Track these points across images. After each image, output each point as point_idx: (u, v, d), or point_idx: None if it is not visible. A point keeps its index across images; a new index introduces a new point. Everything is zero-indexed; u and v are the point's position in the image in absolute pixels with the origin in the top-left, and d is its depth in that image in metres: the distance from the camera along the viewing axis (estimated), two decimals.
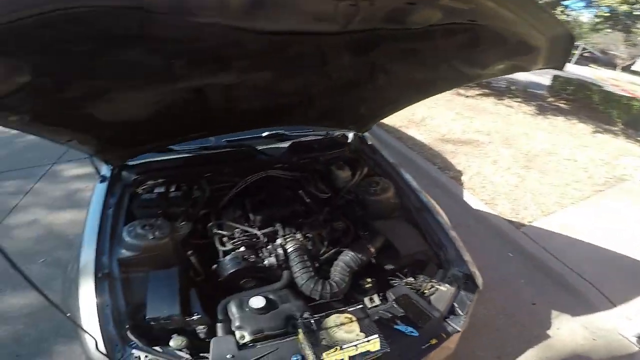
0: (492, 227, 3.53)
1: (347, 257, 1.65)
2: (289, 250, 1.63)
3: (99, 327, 1.21)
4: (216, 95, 1.44)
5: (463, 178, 4.36)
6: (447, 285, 1.52)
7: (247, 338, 1.26)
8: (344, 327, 1.24)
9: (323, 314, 1.28)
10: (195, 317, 1.30)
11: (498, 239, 3.38)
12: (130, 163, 1.97)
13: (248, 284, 1.61)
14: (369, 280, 1.63)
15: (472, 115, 5.97)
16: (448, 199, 3.79)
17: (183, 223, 1.71)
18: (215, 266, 1.64)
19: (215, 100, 1.48)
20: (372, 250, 1.71)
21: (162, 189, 1.88)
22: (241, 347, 1.23)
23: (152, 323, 1.27)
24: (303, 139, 2.41)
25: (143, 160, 2.02)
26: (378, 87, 1.69)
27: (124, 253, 1.51)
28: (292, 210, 1.90)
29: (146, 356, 1.17)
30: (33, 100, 1.02)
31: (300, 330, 1.22)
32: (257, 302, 1.36)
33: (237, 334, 1.27)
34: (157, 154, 2.06)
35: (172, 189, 1.88)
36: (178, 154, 2.13)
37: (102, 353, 1.14)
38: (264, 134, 2.37)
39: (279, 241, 1.68)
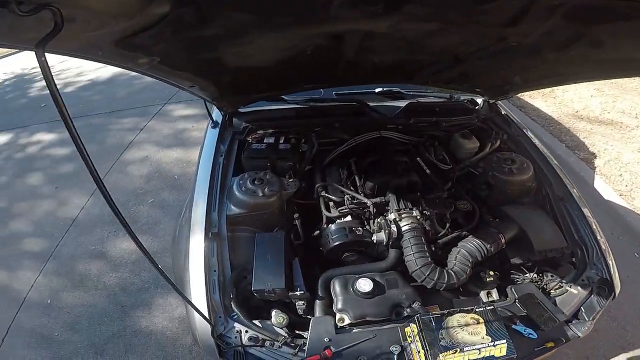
0: (622, 223, 2.96)
1: (472, 245, 1.41)
2: (403, 229, 1.42)
3: (206, 296, 1.21)
4: (354, 44, 1.24)
5: (596, 162, 3.61)
6: (578, 287, 1.33)
7: (347, 321, 1.20)
8: (468, 328, 1.10)
9: (445, 311, 1.14)
10: (298, 293, 1.25)
11: (627, 236, 2.84)
12: (242, 110, 1.92)
13: (349, 258, 1.49)
14: (491, 273, 1.41)
15: (616, 94, 4.79)
16: (574, 184, 3.14)
17: (291, 180, 1.61)
18: (317, 232, 1.54)
19: (349, 50, 1.29)
20: (503, 241, 1.44)
21: (271, 140, 1.79)
22: (339, 330, 1.17)
23: (255, 294, 1.24)
24: (422, 99, 2.08)
25: (254, 108, 1.94)
26: (554, 58, 1.30)
27: (233, 210, 1.49)
28: (408, 180, 1.66)
29: (246, 331, 1.17)
30: (167, 38, 0.93)
31: (414, 325, 1.10)
32: (365, 285, 1.26)
33: (338, 316, 1.22)
34: (268, 102, 1.97)
35: (282, 141, 1.78)
36: (288, 104, 2.00)
37: (216, 341, 1.13)
38: (377, 90, 2.10)
39: (391, 216, 1.47)
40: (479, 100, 2.14)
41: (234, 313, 1.21)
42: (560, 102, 4.80)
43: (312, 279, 1.38)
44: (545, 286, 1.38)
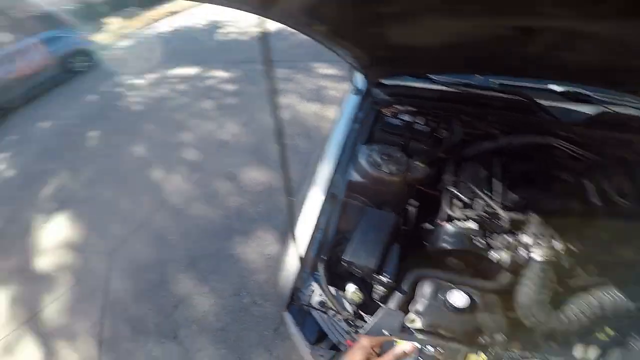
0: None
1: (611, 299, 1.10)
2: (533, 258, 1.20)
3: (305, 249, 1.29)
4: (547, 40, 1.02)
5: None
6: None
7: (417, 325, 1.10)
8: None
9: (528, 355, 1.01)
10: (384, 279, 1.21)
11: None
12: (385, 82, 1.86)
13: (453, 264, 1.35)
14: (609, 331, 1.11)
15: None
16: None
17: (420, 164, 1.52)
18: (427, 225, 1.44)
19: (538, 45, 1.07)
20: None
21: (408, 118, 1.71)
22: (404, 329, 1.10)
23: (344, 263, 1.25)
24: (615, 108, 1.61)
25: (398, 82, 1.86)
26: None
27: (355, 177, 1.51)
28: (563, 206, 1.36)
29: (320, 294, 1.21)
30: (344, 10, 0.93)
31: (482, 356, 0.97)
32: (459, 300, 1.12)
33: (411, 316, 1.12)
34: (414, 79, 1.85)
35: (420, 121, 1.68)
36: (435, 84, 1.84)
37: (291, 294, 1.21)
38: (552, 87, 1.72)
39: (525, 239, 1.24)
40: None
41: (318, 274, 1.27)
42: None
43: (403, 269, 1.32)
44: None
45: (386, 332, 1.08)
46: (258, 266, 2.52)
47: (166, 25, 9.20)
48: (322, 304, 1.21)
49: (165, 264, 2.72)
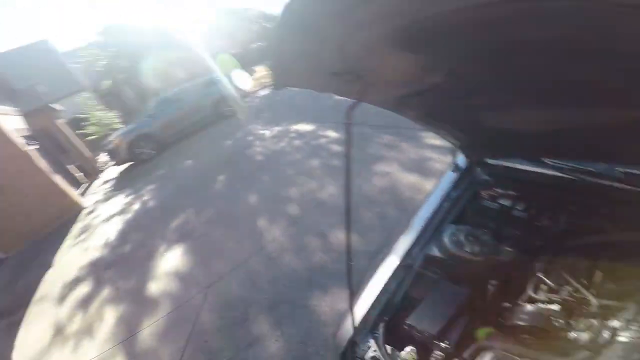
0: None
1: None
2: (619, 339, 1.00)
3: (367, 308, 1.35)
4: None
5: None
6: None
7: None
8: None
9: None
10: (442, 344, 1.19)
11: None
12: (489, 161, 1.81)
13: (524, 341, 1.17)
14: None
15: None
16: None
17: (509, 250, 1.39)
18: (508, 305, 1.28)
19: None
20: None
21: (508, 202, 1.60)
22: None
23: (406, 327, 1.26)
24: None
25: (503, 163, 1.79)
26: None
27: (434, 251, 1.49)
28: None
29: (375, 350, 1.26)
30: (434, 100, 1.04)
31: None
32: None
33: None
34: (524, 160, 1.75)
35: (519, 207, 1.56)
36: (546, 168, 1.70)
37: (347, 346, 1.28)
38: None
39: (615, 323, 1.01)
40: None
41: (377, 332, 1.30)
42: None
43: (468, 339, 1.22)
44: None
45: None
46: (328, 319, 2.60)
47: None
48: (374, 359, 1.23)
49: (250, 304, 3.00)
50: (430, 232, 1.58)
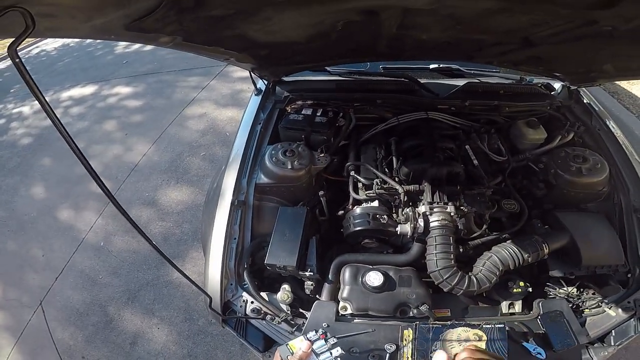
0: None
1: (506, 252, 1.25)
2: (431, 224, 1.30)
3: (222, 263, 1.29)
4: (392, 21, 1.10)
5: None
6: (619, 309, 1.20)
7: (349, 311, 1.18)
8: (466, 344, 0.99)
9: (448, 323, 1.05)
10: (307, 274, 1.26)
11: None
12: (286, 79, 1.88)
13: (369, 245, 1.44)
14: (521, 284, 1.27)
15: None
16: None
17: (322, 155, 1.57)
18: (341, 212, 1.50)
19: (388, 26, 1.15)
20: (546, 251, 1.27)
21: (309, 112, 1.75)
22: (339, 317, 1.16)
23: (268, 267, 1.27)
24: (485, 79, 1.83)
25: (297, 78, 1.90)
26: None
27: (263, 179, 1.52)
28: (449, 171, 1.50)
29: (252, 302, 1.23)
30: (177, 19, 0.91)
31: (410, 331, 1.05)
32: (374, 279, 1.20)
33: (341, 304, 1.19)
34: (312, 72, 1.90)
35: (319, 113, 1.72)
36: (331, 75, 1.91)
37: (214, 311, 1.21)
38: (431, 66, 1.90)
39: (422, 208, 1.35)
40: (557, 85, 1.83)
41: (245, 282, 1.28)
42: None
43: (329, 259, 1.37)
44: (580, 304, 1.26)
45: (325, 324, 1.12)
46: (200, 284, 2.44)
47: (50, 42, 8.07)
48: (256, 311, 1.22)
49: (104, 304, 2.53)
50: (252, 159, 1.58)
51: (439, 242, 1.25)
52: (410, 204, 1.42)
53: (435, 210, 1.33)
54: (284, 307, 1.22)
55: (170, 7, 0.82)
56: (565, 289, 1.28)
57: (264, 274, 1.38)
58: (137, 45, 6.34)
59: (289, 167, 1.47)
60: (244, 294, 1.25)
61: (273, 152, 1.53)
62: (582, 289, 1.29)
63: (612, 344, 1.16)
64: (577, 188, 1.44)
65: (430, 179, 1.45)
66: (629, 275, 1.31)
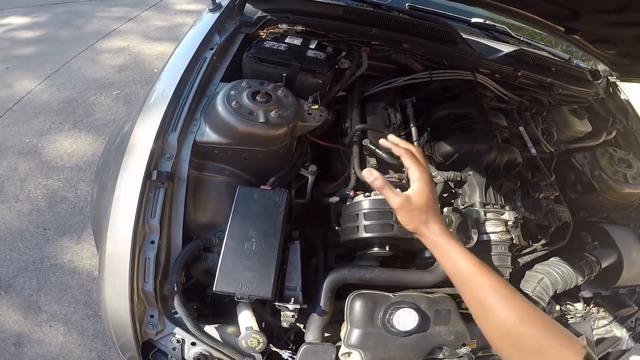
0: None
1: (558, 272, 1.00)
2: (485, 237, 0.90)
3: (130, 282, 0.72)
4: None
5: None
6: (624, 329, 1.13)
7: None
8: None
9: None
10: (291, 306, 0.76)
11: None
12: None
13: (376, 254, 0.87)
14: (557, 308, 1.08)
15: None
16: None
17: (316, 107, 0.96)
18: (335, 200, 0.94)
19: None
20: (596, 272, 1.05)
21: (297, 41, 1.10)
22: None
23: (218, 294, 0.76)
24: (534, 50, 1.44)
25: None
26: None
27: (208, 135, 0.88)
28: (509, 159, 1.08)
29: (193, 343, 0.75)
30: None
31: None
32: (407, 320, 0.77)
33: (345, 349, 0.76)
34: None
35: (312, 46, 1.10)
36: None
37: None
38: (473, 20, 1.46)
39: (475, 213, 0.92)
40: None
41: (175, 311, 0.75)
42: None
43: (314, 269, 0.90)
44: (592, 324, 1.13)
45: None
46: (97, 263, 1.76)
47: None
48: (204, 358, 0.74)
49: None
50: (190, 101, 0.90)
51: (495, 264, 0.88)
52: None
53: (489, 216, 0.92)
54: (256, 355, 0.75)
55: None
56: (579, 307, 1.13)
57: (208, 291, 0.86)
58: None
59: (261, 119, 0.85)
60: (177, 330, 0.76)
61: (233, 92, 0.88)
62: (596, 307, 1.16)
63: None
64: (615, 196, 1.22)
65: (485, 167, 1.00)
66: None
